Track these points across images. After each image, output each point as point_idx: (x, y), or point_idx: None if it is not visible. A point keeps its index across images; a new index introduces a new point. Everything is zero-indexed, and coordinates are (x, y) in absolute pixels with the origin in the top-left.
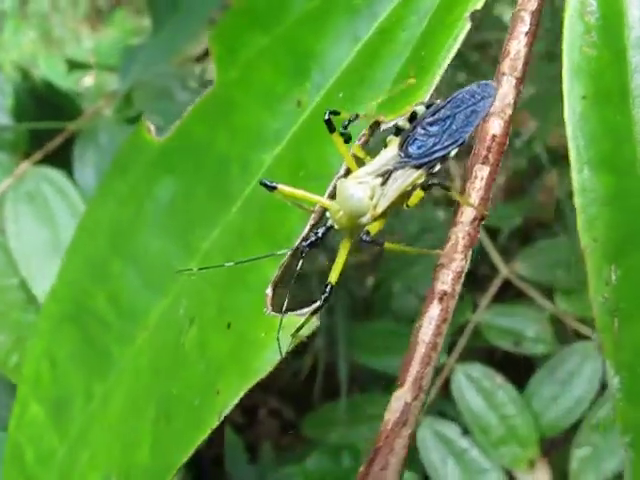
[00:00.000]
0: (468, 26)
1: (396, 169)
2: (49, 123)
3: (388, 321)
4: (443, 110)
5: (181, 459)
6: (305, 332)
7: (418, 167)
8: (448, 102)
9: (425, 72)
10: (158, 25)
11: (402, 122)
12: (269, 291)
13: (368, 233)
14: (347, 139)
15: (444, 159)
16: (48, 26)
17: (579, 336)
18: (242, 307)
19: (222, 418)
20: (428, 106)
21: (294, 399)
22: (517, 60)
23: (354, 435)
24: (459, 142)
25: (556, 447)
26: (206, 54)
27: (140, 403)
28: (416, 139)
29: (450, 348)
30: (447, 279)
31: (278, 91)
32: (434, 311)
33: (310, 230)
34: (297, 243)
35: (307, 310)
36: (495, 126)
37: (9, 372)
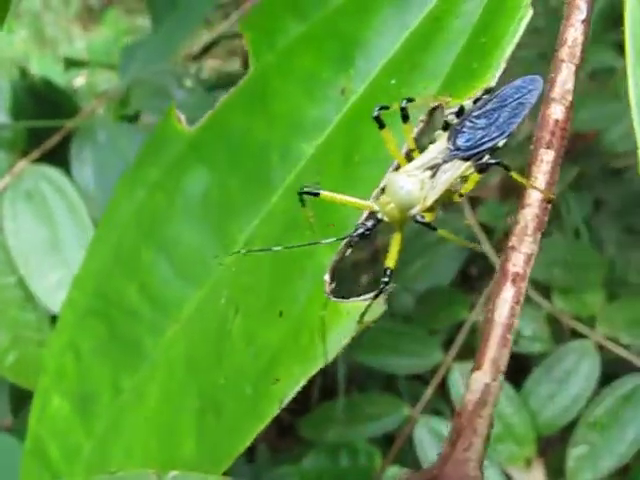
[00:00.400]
0: (531, 12)
1: (445, 162)
2: (47, 121)
3: (385, 320)
4: (490, 104)
5: (238, 449)
6: (370, 317)
7: (466, 159)
8: (495, 96)
9: (488, 58)
10: (157, 23)
11: (450, 117)
12: (327, 277)
13: (422, 216)
14: (405, 118)
15: (492, 150)
16: (40, 25)
17: (575, 335)
18: (296, 295)
19: (283, 406)
20: (475, 101)
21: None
22: (575, 47)
23: (352, 434)
24: (507, 133)
25: (552, 446)
26: (203, 53)
27: (178, 395)
28: (464, 132)
29: (447, 346)
30: (519, 261)
31: (320, 78)
32: (508, 293)
33: (365, 219)
34: (348, 234)
35: (370, 295)
36: (557, 112)
37: (5, 371)
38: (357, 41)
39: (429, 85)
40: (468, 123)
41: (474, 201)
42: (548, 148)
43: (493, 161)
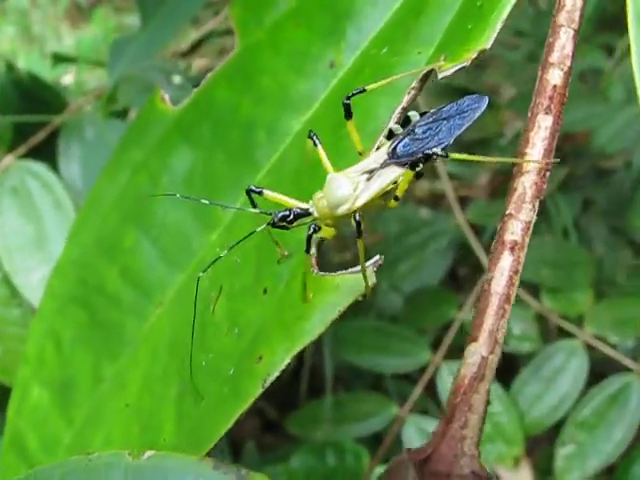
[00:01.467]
0: None
1: (381, 167)
2: (34, 116)
3: (373, 319)
4: (434, 117)
5: (219, 431)
6: (360, 290)
7: (402, 165)
8: (439, 111)
9: (485, 19)
10: (146, 19)
11: (394, 127)
12: (314, 251)
13: (360, 216)
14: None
15: (427, 158)
16: (27, 23)
17: (563, 334)
18: (280, 271)
19: (267, 385)
20: (422, 114)
21: (277, 398)
22: (574, 12)
23: (340, 434)
24: (443, 144)
25: (538, 445)
26: (191, 50)
27: (159, 381)
28: (404, 141)
29: (435, 346)
30: (517, 229)
31: (309, 52)
32: (505, 262)
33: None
34: (273, 216)
35: (358, 268)
36: (555, 77)
37: None
38: (348, 13)
39: (423, 51)
40: (409, 133)
41: (463, 201)
42: (546, 114)
43: (438, 152)
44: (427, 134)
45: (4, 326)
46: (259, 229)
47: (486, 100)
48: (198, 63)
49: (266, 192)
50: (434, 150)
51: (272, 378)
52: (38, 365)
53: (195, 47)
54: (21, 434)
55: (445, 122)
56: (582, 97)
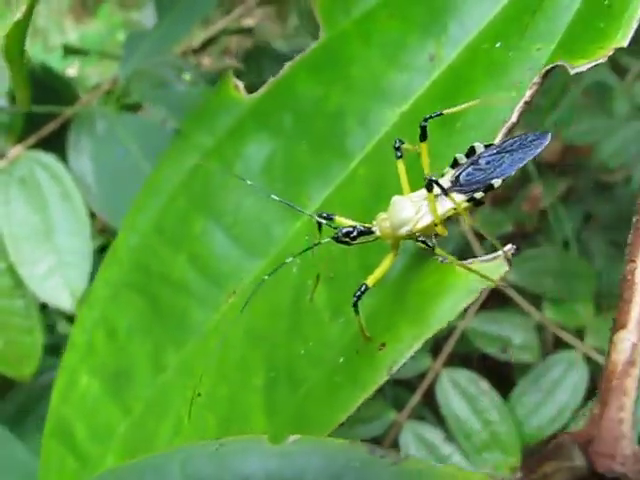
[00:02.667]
0: None
1: (444, 194)
2: (45, 107)
3: None
4: (497, 150)
5: (336, 419)
6: (495, 276)
7: (463, 193)
8: (504, 143)
9: (617, 19)
10: (161, 15)
11: (459, 156)
12: (435, 241)
13: (419, 235)
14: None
15: (488, 188)
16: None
17: (561, 345)
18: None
19: (393, 371)
20: (486, 146)
21: None
22: None
23: (338, 436)
24: (504, 176)
25: (532, 455)
26: (203, 47)
27: (238, 370)
28: (467, 170)
29: (435, 353)
30: None
31: (404, 44)
32: None
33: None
34: (337, 231)
35: (491, 256)
36: None
37: None
38: (448, 6)
39: (543, 48)
40: (473, 163)
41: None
42: None
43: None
44: (490, 165)
45: (7, 317)
46: (323, 242)
47: (549, 136)
48: (203, 61)
49: (338, 218)
50: (494, 181)
51: (399, 365)
52: (87, 353)
53: (206, 45)
54: (67, 422)
55: (508, 155)
56: (586, 111)
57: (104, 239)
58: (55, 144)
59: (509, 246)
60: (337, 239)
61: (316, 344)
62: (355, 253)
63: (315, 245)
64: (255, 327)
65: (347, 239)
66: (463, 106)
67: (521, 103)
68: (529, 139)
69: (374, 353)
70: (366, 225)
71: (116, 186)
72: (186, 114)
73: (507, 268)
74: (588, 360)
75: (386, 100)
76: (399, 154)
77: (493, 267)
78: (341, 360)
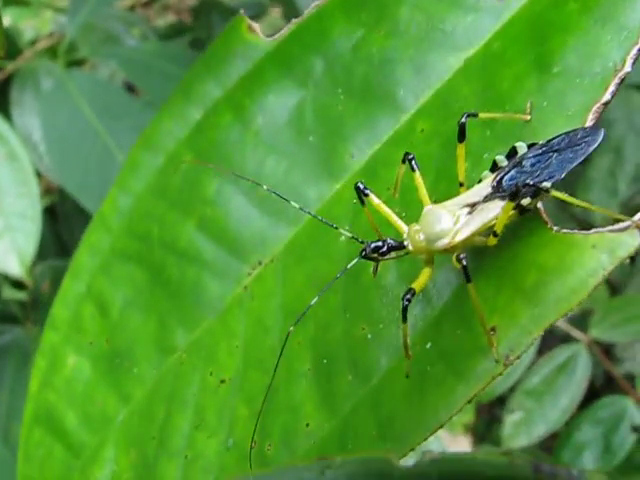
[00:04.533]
0: None
1: (485, 201)
2: None
3: None
4: (543, 150)
5: (437, 419)
6: (624, 252)
7: (507, 197)
8: (550, 142)
9: None
10: None
11: (499, 159)
12: (541, 205)
13: (464, 257)
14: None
15: (535, 192)
16: None
17: None
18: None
19: (512, 362)
20: (530, 146)
21: None
22: None
23: None
24: (552, 179)
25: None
26: (148, 2)
27: (273, 354)
28: (510, 173)
29: None
30: None
31: None
32: None
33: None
34: (365, 246)
35: (621, 226)
36: None
37: None
38: None
39: None
40: (516, 165)
41: None
42: None
43: (545, 186)
44: (536, 167)
45: None
46: (350, 266)
47: (602, 133)
48: (149, 17)
49: (372, 197)
50: (544, 184)
51: (518, 354)
52: (73, 331)
53: (151, 0)
54: (52, 408)
55: (556, 154)
56: None
57: (49, 200)
58: None
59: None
60: (365, 256)
61: (387, 325)
62: None
63: (343, 272)
64: (295, 304)
65: (375, 255)
66: (505, 114)
67: (635, 50)
68: (579, 136)
69: (482, 339)
70: (397, 239)
71: (65, 145)
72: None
73: (637, 244)
74: None
75: (446, 45)
76: (415, 167)
77: (623, 239)
78: (429, 345)
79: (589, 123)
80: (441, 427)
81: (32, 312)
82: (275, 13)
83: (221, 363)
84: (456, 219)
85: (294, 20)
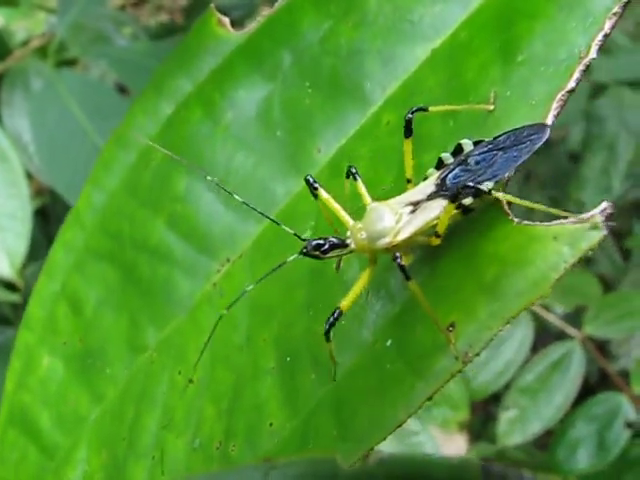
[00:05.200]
0: None
1: (428, 199)
2: None
3: None
4: (489, 147)
5: (395, 417)
6: (587, 244)
7: (449, 198)
8: (495, 140)
9: None
10: None
11: (444, 156)
12: (500, 195)
13: (400, 257)
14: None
15: (477, 192)
16: None
17: None
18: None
19: (470, 359)
20: (475, 143)
21: None
22: None
23: None
24: (495, 178)
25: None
26: (140, 1)
27: (240, 352)
28: (454, 171)
29: None
30: None
31: None
32: None
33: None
34: (306, 243)
35: (583, 216)
36: None
37: None
38: None
39: None
40: (461, 163)
41: None
42: None
43: (483, 189)
44: (480, 165)
45: None
46: (289, 260)
47: (547, 131)
48: (141, 17)
49: (321, 191)
50: (485, 184)
51: (477, 350)
52: (47, 331)
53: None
54: (27, 409)
55: (501, 153)
56: None
57: (41, 201)
58: None
59: (604, 204)
60: (306, 253)
61: (350, 322)
62: None
63: (281, 265)
64: (262, 301)
65: (317, 252)
66: (464, 106)
67: (600, 36)
68: (524, 134)
69: (439, 335)
70: (339, 237)
71: (55, 145)
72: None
73: (604, 232)
74: (533, 316)
75: (415, 36)
76: (357, 177)
77: (586, 230)
78: (389, 343)
79: (553, 112)
80: (399, 426)
81: (24, 313)
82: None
83: (190, 362)
84: (398, 217)
85: (263, 13)
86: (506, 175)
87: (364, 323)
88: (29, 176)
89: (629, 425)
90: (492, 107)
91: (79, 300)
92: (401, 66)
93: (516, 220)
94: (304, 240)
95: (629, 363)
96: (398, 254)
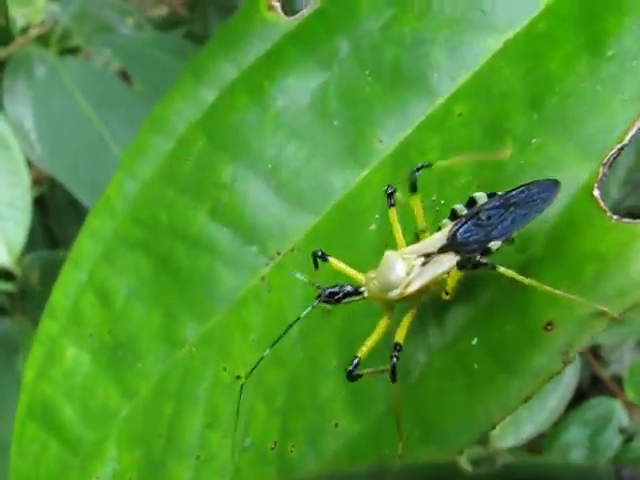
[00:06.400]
0: None
1: (439, 252)
2: None
3: None
4: (501, 202)
5: (494, 417)
6: None
7: (458, 253)
8: (508, 194)
9: None
10: None
11: (458, 207)
12: (597, 193)
13: (399, 348)
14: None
15: (485, 250)
16: None
17: None
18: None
19: (571, 359)
20: (489, 195)
21: None
22: None
23: None
24: (502, 237)
25: None
26: None
27: (294, 349)
28: (466, 225)
29: None
30: None
31: None
32: None
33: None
34: (321, 291)
35: None
36: None
37: None
38: None
39: None
40: (473, 217)
41: None
42: None
43: (483, 261)
44: (492, 220)
45: None
46: (305, 313)
47: (557, 190)
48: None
49: (332, 260)
50: (494, 243)
51: (577, 350)
52: (72, 321)
53: None
54: (49, 402)
55: (512, 209)
56: None
57: (38, 191)
58: None
59: None
60: (322, 301)
61: (422, 322)
62: None
63: (295, 322)
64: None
65: (331, 300)
66: (456, 159)
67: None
68: (534, 191)
69: (537, 334)
70: (353, 286)
71: (57, 133)
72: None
73: None
74: None
75: (485, 26)
76: (392, 201)
77: None
78: (475, 342)
79: None
80: (493, 428)
81: (20, 303)
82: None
83: (236, 358)
84: (409, 269)
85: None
86: (514, 234)
87: (440, 323)
88: (28, 165)
89: (622, 430)
90: (508, 153)
91: (108, 291)
92: (471, 57)
93: (615, 217)
94: (318, 288)
95: (621, 369)
96: (396, 352)
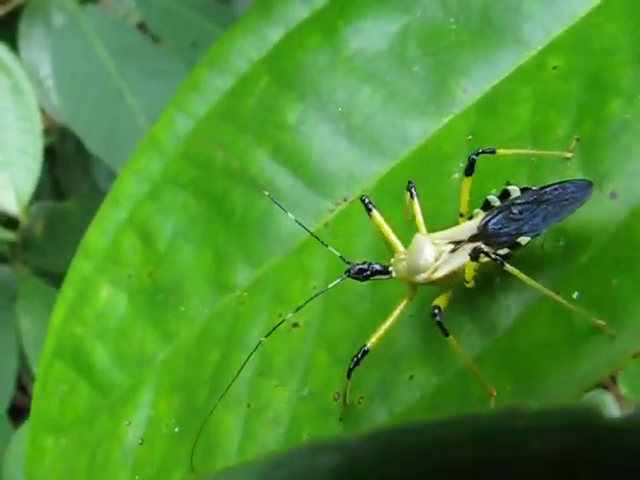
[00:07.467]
0: None
1: (469, 241)
2: None
3: None
4: (534, 197)
5: (604, 370)
6: None
7: (487, 244)
8: (543, 189)
9: None
10: None
11: (491, 198)
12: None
13: (439, 309)
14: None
15: (514, 245)
16: None
17: None
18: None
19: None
20: (522, 189)
21: None
22: None
23: None
24: (532, 234)
25: None
26: None
27: (362, 301)
28: (498, 217)
29: None
30: None
31: None
32: None
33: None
34: (350, 267)
35: None
36: None
37: None
38: None
39: None
40: (505, 210)
41: None
42: None
43: (493, 255)
44: (523, 215)
45: None
46: (331, 285)
47: (590, 191)
48: None
49: (374, 214)
50: (522, 239)
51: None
52: (109, 261)
53: None
54: (79, 342)
55: (544, 206)
56: None
57: (48, 140)
58: (4, 33)
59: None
60: (349, 275)
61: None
62: None
63: (322, 291)
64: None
65: (360, 276)
66: (538, 151)
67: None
68: (569, 190)
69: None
70: (382, 264)
71: (75, 83)
72: None
73: None
74: None
75: None
76: (414, 193)
77: None
78: (576, 295)
79: None
80: (598, 382)
81: (22, 252)
82: None
83: (293, 304)
84: (438, 254)
85: None
86: (544, 231)
87: (537, 274)
88: (41, 112)
89: None
90: (570, 154)
91: (151, 231)
92: (568, 10)
93: None
94: (348, 263)
95: None
96: (437, 310)
